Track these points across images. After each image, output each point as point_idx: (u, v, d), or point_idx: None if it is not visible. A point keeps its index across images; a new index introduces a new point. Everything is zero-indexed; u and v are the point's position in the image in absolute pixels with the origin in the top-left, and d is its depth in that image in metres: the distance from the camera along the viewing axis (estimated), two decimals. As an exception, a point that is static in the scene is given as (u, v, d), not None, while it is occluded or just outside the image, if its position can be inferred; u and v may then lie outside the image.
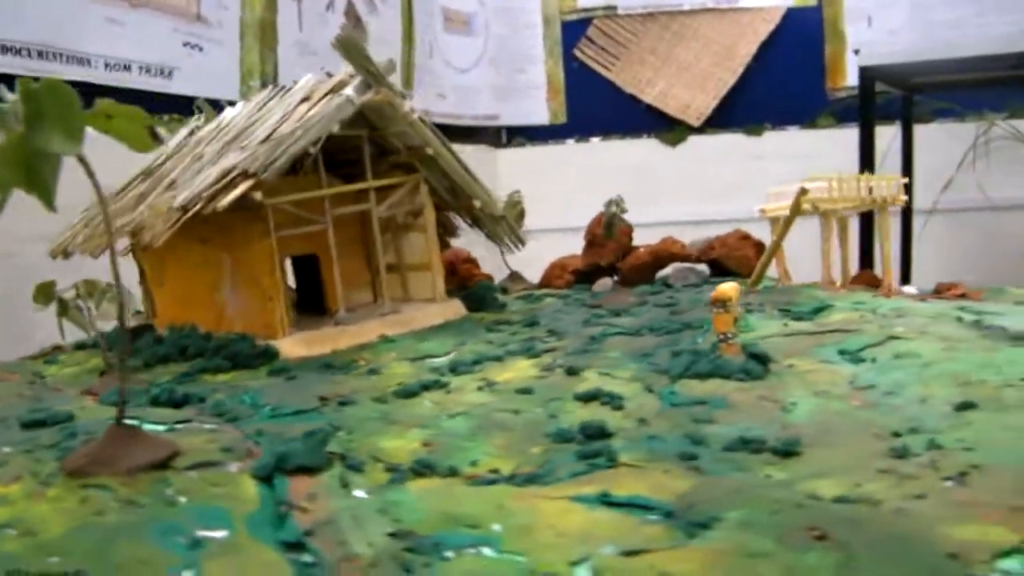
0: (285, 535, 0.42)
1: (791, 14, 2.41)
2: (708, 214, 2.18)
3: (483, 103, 2.49)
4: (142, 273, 0.94)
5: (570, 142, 2.54)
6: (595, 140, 2.52)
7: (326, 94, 0.81)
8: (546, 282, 1.08)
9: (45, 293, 0.75)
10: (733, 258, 1.03)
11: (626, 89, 2.50)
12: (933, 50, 1.95)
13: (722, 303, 0.65)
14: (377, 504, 0.46)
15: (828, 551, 0.38)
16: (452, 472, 0.51)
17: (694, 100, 2.43)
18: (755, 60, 2.42)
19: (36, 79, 0.45)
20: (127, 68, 1.42)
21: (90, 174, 0.48)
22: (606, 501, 0.45)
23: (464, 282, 1.06)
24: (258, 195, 0.73)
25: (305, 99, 0.81)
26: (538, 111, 2.56)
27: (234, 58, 1.68)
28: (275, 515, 0.45)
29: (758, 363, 0.65)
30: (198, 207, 0.73)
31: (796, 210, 0.93)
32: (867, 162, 1.86)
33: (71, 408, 0.63)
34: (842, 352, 0.69)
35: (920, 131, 2.14)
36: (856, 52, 2.20)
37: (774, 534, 0.39)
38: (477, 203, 0.90)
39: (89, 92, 1.37)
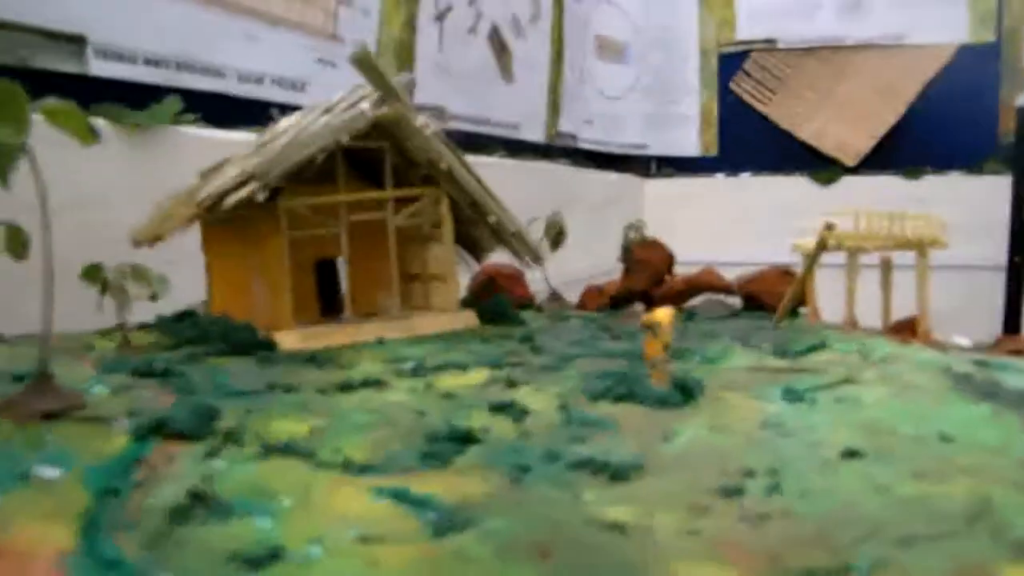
0: (111, 483, 0.48)
1: (964, 51, 2.25)
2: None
3: (632, 132, 2.50)
4: (208, 264, 1.04)
5: (720, 176, 2.50)
6: (745, 175, 2.47)
7: (347, 107, 0.87)
8: (582, 304, 1.09)
9: (91, 272, 0.85)
10: (769, 293, 1.00)
11: (781, 125, 2.43)
12: None
13: (650, 327, 0.65)
14: (211, 470, 0.50)
15: (535, 567, 0.38)
16: (309, 455, 0.54)
17: (851, 139, 2.32)
18: (920, 99, 2.28)
19: None
20: (259, 81, 1.56)
21: (34, 165, 0.56)
22: (398, 495, 0.46)
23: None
24: (261, 196, 0.79)
25: (327, 110, 0.88)
26: (689, 142, 2.54)
27: (368, 76, 1.79)
28: (120, 468, 0.50)
29: (681, 392, 0.64)
30: (207, 205, 0.80)
31: (821, 247, 0.89)
32: (1019, 209, 1.72)
33: (59, 369, 0.71)
34: (787, 391, 0.66)
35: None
36: (1038, 94, 2.03)
37: (503, 545, 0.40)
38: (491, 218, 0.93)
39: (221, 101, 1.47)
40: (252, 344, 0.83)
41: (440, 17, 1.93)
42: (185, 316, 0.94)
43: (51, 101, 0.57)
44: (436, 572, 0.38)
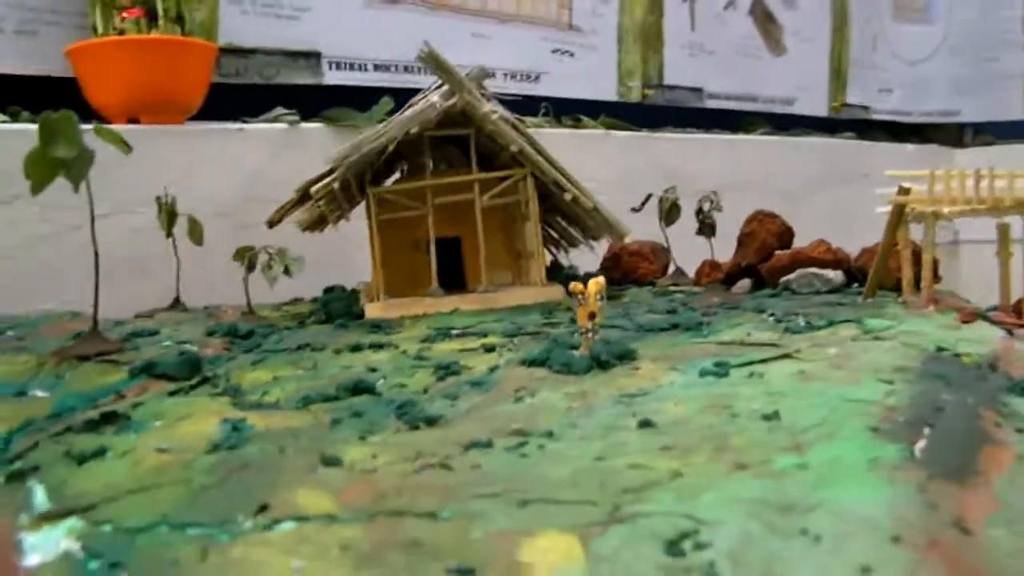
0: (72, 403, 0.64)
1: None
2: None
3: (939, 97, 2.25)
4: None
5: (1049, 139, 2.15)
6: (1082, 136, 2.10)
7: (426, 100, 0.97)
8: (697, 280, 1.07)
9: (242, 254, 1.04)
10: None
11: None
12: None
13: (576, 297, 0.67)
14: (149, 399, 0.64)
15: (212, 476, 0.46)
16: (238, 395, 0.66)
17: None
18: None
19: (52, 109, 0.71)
20: (491, 75, 1.70)
21: (87, 181, 0.74)
22: (234, 424, 0.56)
23: (627, 274, 1.11)
24: (336, 185, 0.93)
25: (412, 104, 0.98)
26: (1012, 104, 2.22)
27: (610, 61, 1.85)
28: (92, 394, 0.66)
29: (591, 361, 0.65)
30: (298, 195, 0.96)
31: (897, 214, 0.81)
32: None
33: (170, 329, 0.91)
34: (718, 364, 0.64)
35: None
36: None
37: (225, 462, 0.49)
38: (568, 196, 0.97)
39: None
40: (343, 313, 0.96)
41: (690, -4, 1.92)
42: (329, 290, 1.11)
43: (97, 126, 0.75)
44: (160, 473, 0.48)
